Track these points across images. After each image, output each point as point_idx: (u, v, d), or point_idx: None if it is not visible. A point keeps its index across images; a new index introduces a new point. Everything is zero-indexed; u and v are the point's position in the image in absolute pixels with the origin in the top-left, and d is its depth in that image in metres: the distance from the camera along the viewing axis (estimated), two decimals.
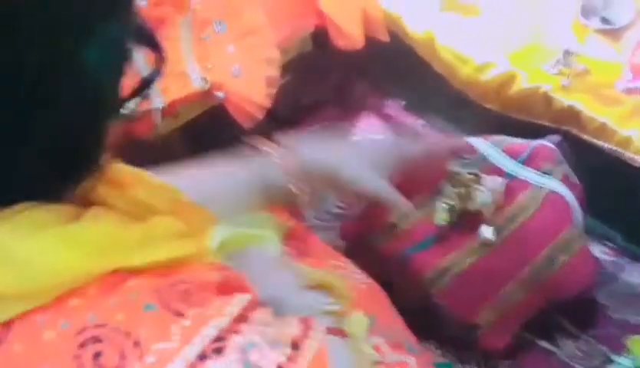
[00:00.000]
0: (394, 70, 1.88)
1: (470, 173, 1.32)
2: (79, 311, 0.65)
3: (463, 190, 1.32)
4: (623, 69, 1.61)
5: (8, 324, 0.65)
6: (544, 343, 1.44)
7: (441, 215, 1.36)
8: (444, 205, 1.36)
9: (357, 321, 1.19)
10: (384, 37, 1.81)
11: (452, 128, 1.77)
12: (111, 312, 0.65)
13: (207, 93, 1.62)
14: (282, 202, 1.21)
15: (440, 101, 1.81)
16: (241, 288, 0.74)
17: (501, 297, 1.36)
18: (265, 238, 1.23)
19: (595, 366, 1.41)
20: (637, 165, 1.50)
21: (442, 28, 1.74)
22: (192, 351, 0.66)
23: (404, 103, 1.88)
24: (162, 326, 0.66)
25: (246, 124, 1.65)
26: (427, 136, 1.58)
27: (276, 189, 1.19)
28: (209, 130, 1.63)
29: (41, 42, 0.63)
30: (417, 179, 1.30)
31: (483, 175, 1.37)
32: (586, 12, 1.70)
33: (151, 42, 0.76)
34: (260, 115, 1.65)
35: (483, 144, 1.48)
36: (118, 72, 0.70)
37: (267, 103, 1.65)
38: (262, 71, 1.65)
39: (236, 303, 0.71)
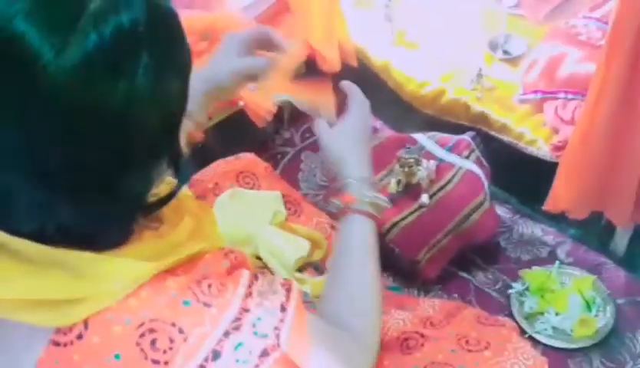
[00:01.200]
0: (361, 86, 1.86)
1: (412, 158, 1.32)
2: (137, 310, 0.65)
3: (407, 169, 1.32)
4: (519, 86, 1.63)
5: (85, 323, 0.63)
6: (463, 274, 1.45)
7: (393, 186, 1.37)
8: (394, 179, 1.37)
9: None
10: (354, 63, 1.80)
11: (401, 126, 1.79)
12: (160, 309, 0.65)
13: (232, 102, 1.60)
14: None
15: (393, 108, 1.80)
16: (242, 265, 0.74)
17: (434, 242, 1.37)
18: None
19: (498, 288, 1.42)
20: (527, 152, 1.52)
21: (394, 58, 1.74)
22: (219, 331, 0.67)
23: None
24: (197, 316, 0.67)
25: (260, 124, 1.63)
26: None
27: None
28: (233, 128, 1.62)
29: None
30: (378, 162, 1.31)
31: (422, 159, 1.37)
32: (492, 46, 1.72)
33: (177, 168, 0.69)
34: (269, 117, 1.64)
35: (422, 137, 1.48)
36: (143, 190, 0.66)
37: (274, 109, 1.64)
38: None
39: (242, 283, 0.71)
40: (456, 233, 1.38)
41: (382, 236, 1.33)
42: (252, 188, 1.28)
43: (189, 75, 0.66)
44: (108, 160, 0.60)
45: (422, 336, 1.03)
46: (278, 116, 1.71)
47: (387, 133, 1.77)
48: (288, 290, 0.75)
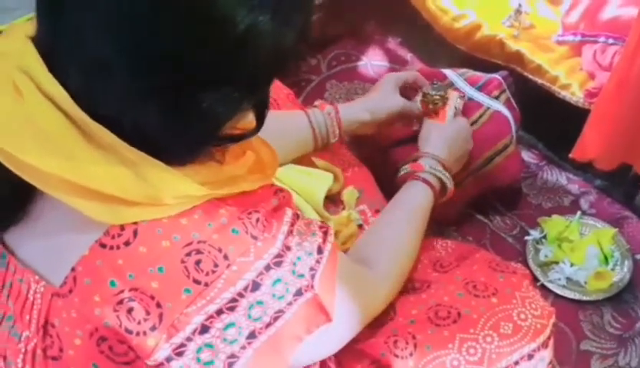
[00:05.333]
0: (394, 16, 1.82)
1: (438, 94, 1.25)
2: (187, 229, 0.66)
3: (431, 106, 1.25)
4: (558, 25, 1.57)
5: (135, 231, 0.65)
6: (480, 217, 1.45)
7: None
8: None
9: (350, 193, 1.21)
10: None
11: (431, 60, 1.75)
12: (209, 232, 0.67)
13: None
14: (323, 145, 1.20)
15: (425, 41, 1.76)
16: (288, 204, 0.76)
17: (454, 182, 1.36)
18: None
19: (515, 234, 1.42)
20: (560, 96, 1.48)
21: None
22: (261, 264, 0.69)
23: (399, 40, 1.84)
24: (243, 245, 0.68)
25: None
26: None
27: (321, 133, 1.18)
28: None
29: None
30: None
31: (449, 95, 1.29)
32: None
33: (260, 116, 0.72)
34: None
35: (452, 74, 1.42)
36: (223, 118, 0.67)
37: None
38: None
39: (286, 221, 0.73)
40: (477, 175, 1.35)
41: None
42: None
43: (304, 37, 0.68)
44: (206, 73, 0.62)
45: (429, 280, 1.04)
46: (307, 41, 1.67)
47: (417, 65, 1.74)
48: (325, 233, 0.79)
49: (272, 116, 0.81)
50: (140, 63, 0.60)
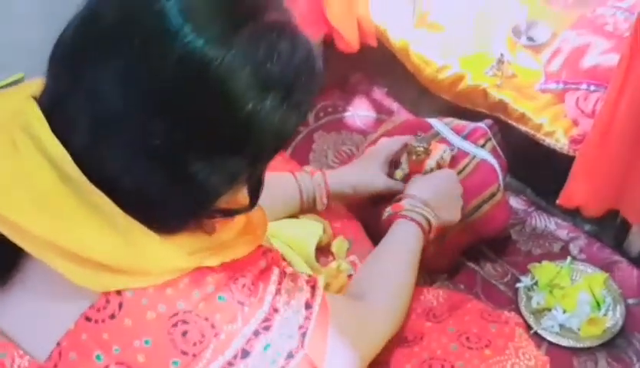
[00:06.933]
0: (379, 67, 1.85)
1: (421, 146, 1.27)
2: (173, 299, 0.66)
3: (415, 158, 1.28)
4: (540, 74, 1.60)
5: (120, 303, 0.64)
6: (471, 264, 1.44)
7: (398, 173, 1.30)
8: (400, 171, 1.30)
9: (340, 244, 1.21)
10: (373, 43, 1.77)
11: (417, 110, 1.77)
12: (196, 302, 0.66)
13: None
14: (309, 209, 1.22)
15: (410, 91, 1.79)
16: (276, 263, 0.76)
17: (442, 232, 1.31)
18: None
19: (506, 282, 1.42)
20: (545, 143, 1.49)
21: (414, 39, 1.70)
22: (249, 330, 0.69)
23: (385, 90, 1.86)
24: (230, 312, 0.68)
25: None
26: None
27: (308, 199, 1.20)
28: None
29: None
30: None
31: (432, 147, 1.31)
32: (516, 32, 1.68)
33: (255, 193, 0.73)
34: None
35: (438, 123, 1.44)
36: (220, 189, 0.67)
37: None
38: None
39: (272, 281, 0.73)
40: (466, 223, 1.34)
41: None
42: None
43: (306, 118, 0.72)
44: (212, 143, 0.63)
45: (422, 331, 1.03)
46: None
47: (403, 115, 1.76)
48: (313, 287, 0.78)
49: None
50: (151, 121, 0.61)
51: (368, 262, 1.09)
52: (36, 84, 0.67)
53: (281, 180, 1.19)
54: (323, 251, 1.22)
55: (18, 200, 0.62)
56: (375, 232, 1.25)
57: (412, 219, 1.13)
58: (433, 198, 1.18)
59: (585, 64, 1.49)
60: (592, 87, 1.47)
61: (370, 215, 1.30)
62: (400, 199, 1.19)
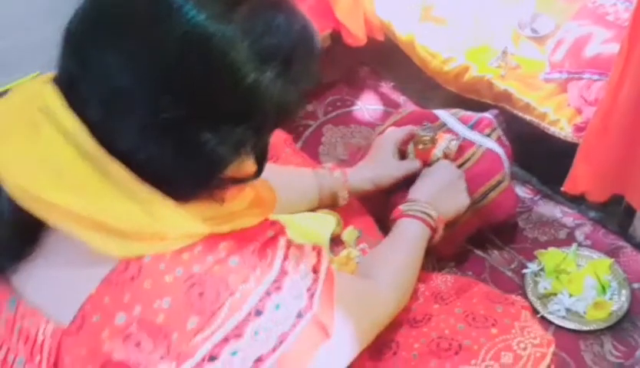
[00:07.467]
0: (386, 61, 1.88)
1: (427, 136, 1.31)
2: (188, 263, 0.69)
3: (421, 147, 1.31)
4: (544, 65, 1.62)
5: (139, 267, 0.68)
6: (479, 252, 1.46)
7: None
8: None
9: (350, 232, 1.24)
10: (380, 37, 1.80)
11: (423, 102, 1.79)
12: (210, 265, 0.70)
13: None
14: (326, 204, 1.26)
15: (416, 84, 1.81)
16: (281, 233, 0.79)
17: (451, 220, 1.34)
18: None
19: (513, 268, 1.43)
20: (549, 132, 1.51)
21: (420, 33, 1.72)
22: (261, 290, 0.72)
23: (392, 84, 1.88)
24: (243, 274, 0.71)
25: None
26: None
27: (326, 195, 1.24)
28: None
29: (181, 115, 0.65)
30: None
31: (439, 137, 1.35)
32: (521, 25, 1.71)
33: (260, 162, 0.77)
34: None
35: (444, 114, 1.47)
36: (228, 157, 0.70)
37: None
38: None
39: (280, 247, 0.76)
40: (473, 211, 1.37)
41: None
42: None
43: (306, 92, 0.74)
44: (219, 114, 0.67)
45: (430, 313, 1.06)
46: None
47: (410, 108, 1.78)
48: (319, 254, 0.81)
49: (281, 170, 0.85)
50: (160, 97, 0.65)
51: (373, 250, 1.14)
52: (52, 74, 0.71)
53: (301, 175, 1.24)
54: (335, 241, 1.26)
55: (42, 176, 0.66)
56: (385, 220, 1.28)
57: (414, 216, 1.17)
58: (435, 195, 1.22)
59: (588, 54, 1.51)
60: (595, 76, 1.48)
61: (384, 205, 1.33)
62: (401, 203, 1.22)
